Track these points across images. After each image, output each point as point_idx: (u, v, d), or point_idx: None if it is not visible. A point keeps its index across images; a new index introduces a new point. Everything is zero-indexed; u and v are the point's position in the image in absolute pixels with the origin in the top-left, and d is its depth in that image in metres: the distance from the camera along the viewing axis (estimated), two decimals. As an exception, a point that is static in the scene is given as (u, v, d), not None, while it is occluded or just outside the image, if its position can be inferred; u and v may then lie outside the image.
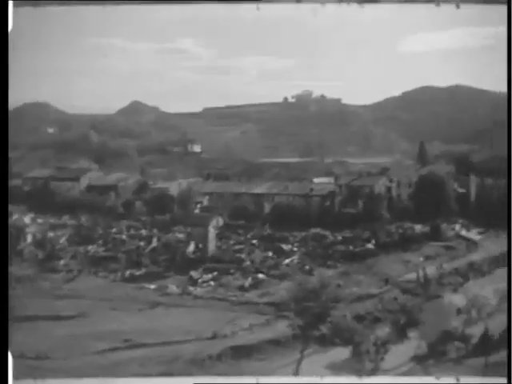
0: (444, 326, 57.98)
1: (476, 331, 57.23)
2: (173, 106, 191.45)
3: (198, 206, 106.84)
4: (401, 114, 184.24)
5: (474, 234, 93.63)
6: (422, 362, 54.09)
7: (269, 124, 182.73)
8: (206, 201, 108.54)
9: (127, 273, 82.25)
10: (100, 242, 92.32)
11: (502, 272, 74.91)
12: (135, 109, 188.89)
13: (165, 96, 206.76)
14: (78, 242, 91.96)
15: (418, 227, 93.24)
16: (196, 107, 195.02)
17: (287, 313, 61.14)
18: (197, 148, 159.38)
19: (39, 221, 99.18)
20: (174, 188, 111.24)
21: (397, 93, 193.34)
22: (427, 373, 50.80)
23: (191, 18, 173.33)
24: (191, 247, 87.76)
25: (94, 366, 52.71)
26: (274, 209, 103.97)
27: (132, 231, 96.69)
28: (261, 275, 79.27)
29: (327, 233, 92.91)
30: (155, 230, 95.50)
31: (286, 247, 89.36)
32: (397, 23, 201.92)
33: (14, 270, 72.48)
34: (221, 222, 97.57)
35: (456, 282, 76.02)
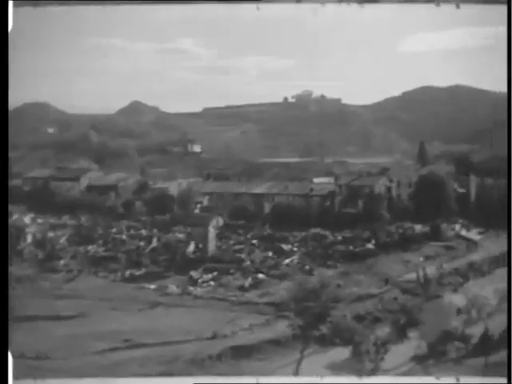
0: (444, 326, 57.99)
1: (476, 331, 57.23)
2: (173, 105, 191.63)
3: (198, 206, 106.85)
4: (401, 114, 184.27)
5: (473, 234, 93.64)
6: (421, 362, 54.10)
7: (269, 124, 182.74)
8: (205, 201, 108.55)
9: (127, 273, 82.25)
10: (100, 242, 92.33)
11: (502, 272, 74.93)
12: (135, 109, 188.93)
13: (165, 96, 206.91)
14: (78, 242, 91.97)
15: (418, 227, 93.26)
16: (196, 107, 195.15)
17: (287, 313, 61.15)
18: (197, 148, 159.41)
19: (39, 221, 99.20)
20: (173, 188, 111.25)
21: (397, 93, 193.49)
22: (427, 373, 50.80)
23: (191, 18, 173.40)
24: (191, 247, 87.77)
25: (94, 366, 52.72)
26: (274, 209, 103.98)
27: (132, 231, 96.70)
28: (261, 275, 79.28)
29: (327, 233, 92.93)
30: (155, 230, 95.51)
31: (286, 247, 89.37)
32: (397, 23, 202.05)
33: (14, 269, 72.48)
34: (221, 222, 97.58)
35: (456, 282, 76.02)
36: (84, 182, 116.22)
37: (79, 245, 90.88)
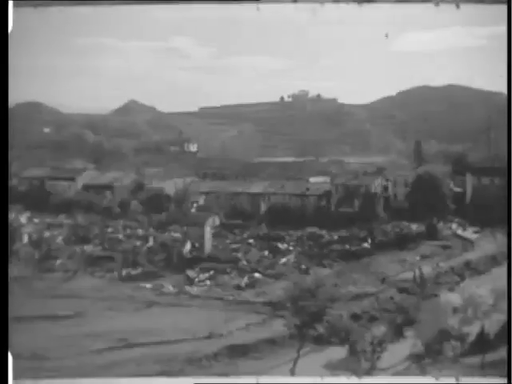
0: (440, 325, 58.01)
1: (472, 330, 57.29)
2: (169, 105, 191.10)
3: (195, 205, 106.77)
4: (397, 113, 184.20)
5: (470, 233, 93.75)
6: (418, 361, 54.16)
7: (265, 123, 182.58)
8: (202, 200, 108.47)
9: (123, 272, 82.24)
10: (96, 241, 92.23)
11: (498, 271, 75.28)
12: (131, 108, 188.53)
13: (161, 95, 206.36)
14: (75, 241, 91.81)
15: (414, 226, 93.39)
16: (192, 106, 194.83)
17: (283, 312, 61.22)
18: (193, 147, 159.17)
19: (35, 220, 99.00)
20: (170, 187, 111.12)
21: (393, 92, 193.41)
22: (424, 372, 50.87)
23: (188, 18, 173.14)
24: (187, 246, 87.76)
25: (91, 366, 52.70)
26: (271, 208, 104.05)
27: (128, 231, 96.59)
28: (257, 274, 79.34)
29: (323, 232, 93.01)
30: (151, 230, 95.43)
31: (282, 246, 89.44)
32: (394, 23, 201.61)
33: (10, 269, 72.10)
34: (217, 221, 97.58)
35: (452, 280, 76.16)
36: (80, 181, 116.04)
37: (75, 244, 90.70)
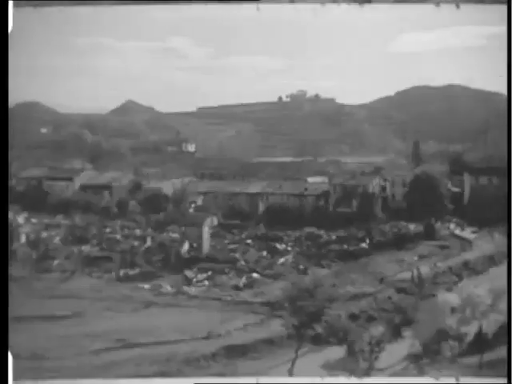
0: (438, 325, 57.99)
1: (470, 330, 57.27)
2: (167, 105, 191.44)
3: (193, 205, 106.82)
4: (395, 113, 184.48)
5: (468, 233, 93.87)
6: (416, 361, 54.13)
7: (263, 123, 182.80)
8: (200, 200, 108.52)
9: (121, 273, 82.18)
10: (94, 241, 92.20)
11: (496, 271, 75.37)
12: (129, 108, 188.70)
13: (159, 95, 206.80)
14: (72, 241, 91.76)
15: (412, 226, 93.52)
16: (190, 107, 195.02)
17: (282, 312, 61.17)
18: (191, 147, 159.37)
19: (33, 221, 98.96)
20: (168, 187, 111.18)
21: (391, 92, 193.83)
22: (422, 372, 50.89)
23: (186, 18, 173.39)
24: (186, 247, 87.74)
25: (89, 366, 52.67)
26: (269, 208, 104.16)
27: (126, 231, 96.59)
28: (255, 275, 79.32)
29: (321, 232, 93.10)
30: (149, 230, 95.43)
31: (280, 246, 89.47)
32: (394, 23, 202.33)
33: (8, 270, 72.25)
34: (215, 221, 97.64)
35: (450, 280, 76.12)
36: (78, 181, 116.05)
37: (73, 245, 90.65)
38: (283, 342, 58.48)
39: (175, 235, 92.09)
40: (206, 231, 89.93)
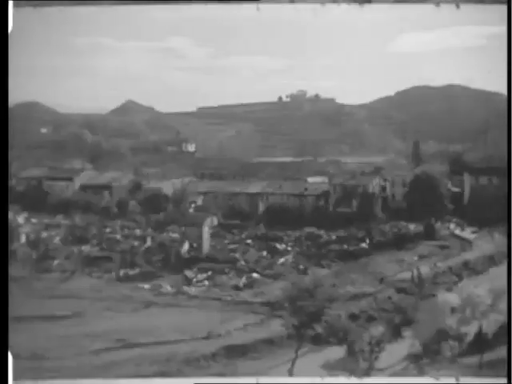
0: (438, 325, 58.01)
1: (470, 330, 57.27)
2: (167, 105, 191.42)
3: (193, 205, 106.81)
4: (395, 113, 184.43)
5: (468, 233, 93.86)
6: (416, 361, 54.13)
7: (263, 124, 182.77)
8: (200, 200, 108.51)
9: (121, 273, 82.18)
10: (94, 241, 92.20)
11: (496, 271, 75.38)
12: (129, 108, 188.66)
13: (159, 95, 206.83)
14: (72, 241, 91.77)
15: (412, 226, 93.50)
16: (190, 107, 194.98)
17: (282, 312, 61.17)
18: (191, 147, 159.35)
19: (33, 221, 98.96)
20: (168, 187, 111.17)
21: (391, 92, 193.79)
22: (421, 372, 50.90)
23: (186, 18, 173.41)
24: (186, 247, 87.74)
25: (89, 366, 52.68)
26: (269, 208, 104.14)
27: (126, 231, 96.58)
28: (255, 275, 79.32)
29: (321, 232, 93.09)
30: (149, 230, 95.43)
31: (280, 246, 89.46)
32: (394, 23, 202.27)
33: (8, 270, 72.25)
34: (215, 221, 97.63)
35: (450, 280, 76.13)
36: (78, 181, 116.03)
37: (73, 245, 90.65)
38: (283, 342, 58.48)
39: (175, 235, 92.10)
40: (206, 231, 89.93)
